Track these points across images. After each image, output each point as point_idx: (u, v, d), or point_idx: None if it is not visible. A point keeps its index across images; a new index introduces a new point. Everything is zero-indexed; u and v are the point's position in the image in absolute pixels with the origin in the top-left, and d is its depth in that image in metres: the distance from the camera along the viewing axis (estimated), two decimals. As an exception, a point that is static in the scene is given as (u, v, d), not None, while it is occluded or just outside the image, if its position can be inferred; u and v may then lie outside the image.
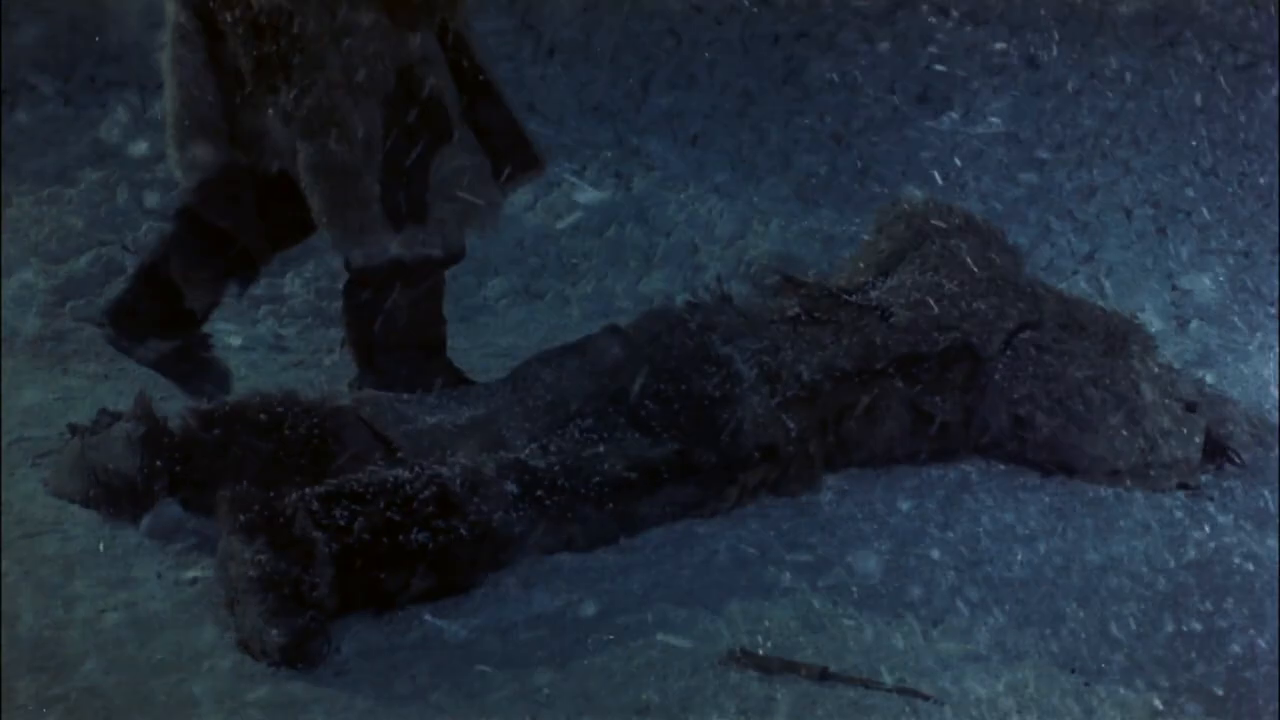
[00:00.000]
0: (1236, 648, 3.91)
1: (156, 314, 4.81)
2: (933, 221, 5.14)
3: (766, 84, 7.22)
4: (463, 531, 3.99)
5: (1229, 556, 4.31)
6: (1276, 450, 4.84)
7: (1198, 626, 3.98)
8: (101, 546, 4.13)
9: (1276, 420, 5.02)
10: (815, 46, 7.51)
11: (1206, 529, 4.45)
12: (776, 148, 6.87)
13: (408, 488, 4.00)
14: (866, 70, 7.30)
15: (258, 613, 3.72)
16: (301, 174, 4.61)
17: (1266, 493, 4.67)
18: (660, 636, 3.83)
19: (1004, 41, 7.51)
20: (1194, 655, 3.85)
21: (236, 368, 5.09)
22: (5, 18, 6.84)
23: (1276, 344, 5.54)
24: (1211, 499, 4.64)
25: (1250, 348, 5.56)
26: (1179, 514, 4.53)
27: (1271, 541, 4.39)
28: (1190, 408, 4.71)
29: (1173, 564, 4.24)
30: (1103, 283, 5.95)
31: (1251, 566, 4.24)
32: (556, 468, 4.23)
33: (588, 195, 6.41)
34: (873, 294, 4.88)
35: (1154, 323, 5.43)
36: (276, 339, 5.55)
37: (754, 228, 6.26)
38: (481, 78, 4.80)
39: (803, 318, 4.74)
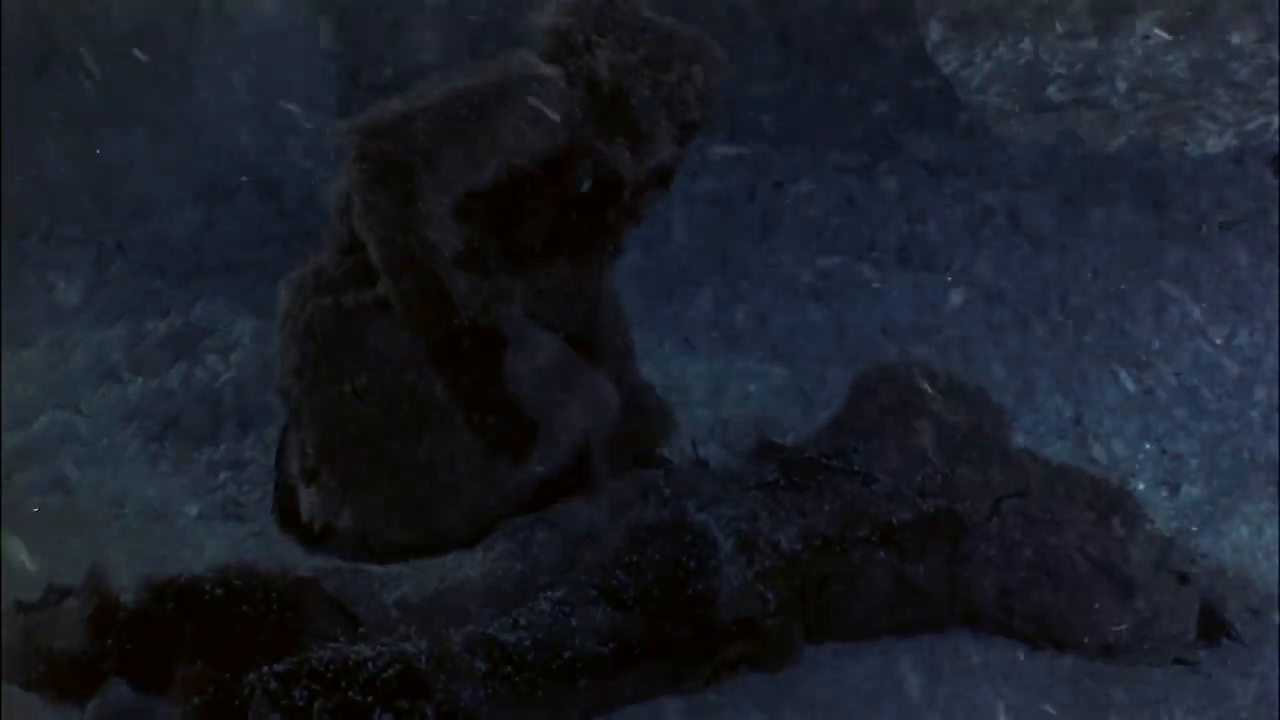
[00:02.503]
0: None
1: None
2: (915, 383, 5.09)
3: (743, 239, 7.26)
4: (429, 712, 3.90)
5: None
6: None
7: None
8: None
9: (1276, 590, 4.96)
10: (793, 201, 7.55)
11: (1206, 705, 4.37)
12: (753, 306, 6.87)
13: (370, 665, 3.91)
14: (846, 227, 7.34)
15: (210, 801, 3.64)
16: None
17: (1264, 667, 4.56)
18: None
19: (986, 197, 7.55)
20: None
21: (194, 538, 5.03)
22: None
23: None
24: (1209, 675, 4.53)
25: (1244, 514, 5.50)
26: (1176, 689, 4.43)
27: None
28: (1184, 579, 4.63)
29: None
30: (1090, 447, 5.91)
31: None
32: (526, 642, 4.13)
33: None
34: (854, 458, 4.79)
35: (1144, 488, 5.40)
36: (235, 506, 5.45)
37: (730, 389, 6.24)
38: None
39: (781, 483, 4.65)
